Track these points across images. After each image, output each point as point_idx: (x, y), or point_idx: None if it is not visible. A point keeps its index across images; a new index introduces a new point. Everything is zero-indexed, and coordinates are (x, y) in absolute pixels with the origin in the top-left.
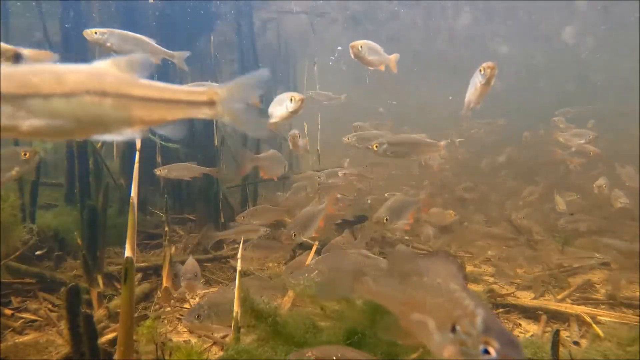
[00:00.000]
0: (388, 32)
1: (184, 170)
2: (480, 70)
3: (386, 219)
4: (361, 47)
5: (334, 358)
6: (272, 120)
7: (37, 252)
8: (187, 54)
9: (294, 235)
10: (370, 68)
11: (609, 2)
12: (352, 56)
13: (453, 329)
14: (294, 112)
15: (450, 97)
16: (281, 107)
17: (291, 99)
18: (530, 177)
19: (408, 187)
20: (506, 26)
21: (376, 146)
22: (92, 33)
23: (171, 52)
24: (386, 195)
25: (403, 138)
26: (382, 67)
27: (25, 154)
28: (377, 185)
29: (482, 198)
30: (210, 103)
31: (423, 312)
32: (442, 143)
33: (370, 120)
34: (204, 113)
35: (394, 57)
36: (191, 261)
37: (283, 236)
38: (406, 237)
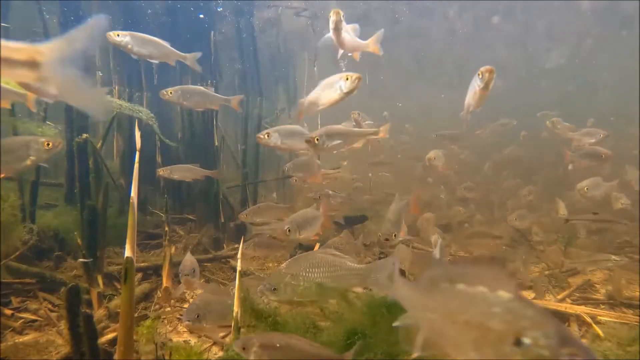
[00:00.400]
0: (389, 34)
1: (187, 172)
2: (479, 75)
3: (394, 235)
4: (344, 16)
5: (277, 345)
6: (319, 108)
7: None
8: (199, 54)
9: (289, 231)
10: (341, 51)
11: (609, 2)
12: (331, 25)
13: (518, 342)
14: (348, 93)
15: (443, 95)
16: (331, 90)
17: (347, 78)
18: (530, 176)
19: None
20: (506, 26)
21: (317, 139)
22: (114, 35)
23: (184, 54)
24: (383, 194)
25: (338, 129)
26: (357, 56)
27: (48, 144)
28: (377, 184)
29: (483, 198)
30: (31, 64)
31: (463, 323)
32: (382, 128)
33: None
34: (21, 75)
35: (375, 38)
36: (189, 258)
37: (277, 231)
38: (407, 237)
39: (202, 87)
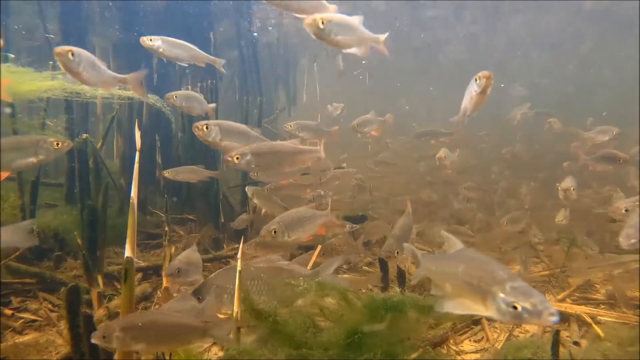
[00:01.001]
0: (391, 35)
1: (191, 174)
2: (476, 80)
3: (397, 252)
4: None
5: (140, 324)
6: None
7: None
8: (224, 61)
9: (274, 232)
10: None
11: (609, 2)
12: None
13: None
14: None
15: (431, 88)
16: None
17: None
18: (531, 176)
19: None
20: (507, 26)
21: (237, 157)
22: (147, 40)
23: (213, 57)
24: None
25: (273, 146)
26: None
27: (57, 144)
28: (379, 184)
29: (484, 197)
30: None
31: None
32: (321, 148)
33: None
34: None
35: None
36: (181, 256)
37: (262, 231)
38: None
39: (195, 93)
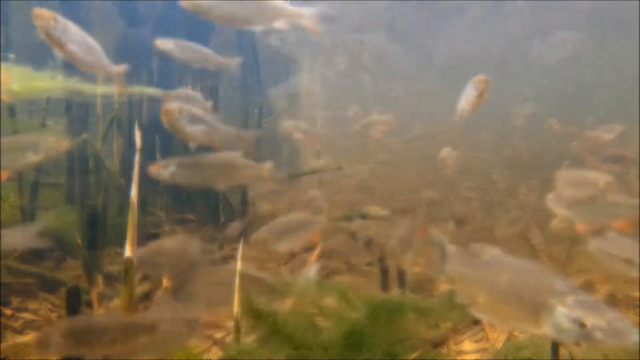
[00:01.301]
0: (392, 35)
1: None
2: (474, 84)
3: (400, 252)
4: None
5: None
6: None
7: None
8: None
9: (266, 240)
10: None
11: (609, 2)
12: None
13: None
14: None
15: (430, 87)
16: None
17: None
18: (530, 177)
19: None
20: (506, 26)
21: (158, 168)
22: (161, 43)
23: (226, 60)
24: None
25: (206, 160)
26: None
27: (57, 143)
28: (379, 184)
29: (484, 198)
30: None
31: None
32: (267, 166)
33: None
34: None
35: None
36: (154, 244)
37: (253, 239)
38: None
39: (192, 92)
